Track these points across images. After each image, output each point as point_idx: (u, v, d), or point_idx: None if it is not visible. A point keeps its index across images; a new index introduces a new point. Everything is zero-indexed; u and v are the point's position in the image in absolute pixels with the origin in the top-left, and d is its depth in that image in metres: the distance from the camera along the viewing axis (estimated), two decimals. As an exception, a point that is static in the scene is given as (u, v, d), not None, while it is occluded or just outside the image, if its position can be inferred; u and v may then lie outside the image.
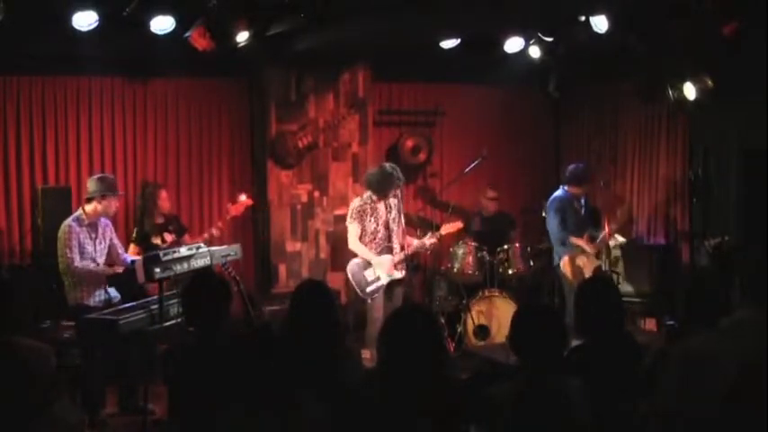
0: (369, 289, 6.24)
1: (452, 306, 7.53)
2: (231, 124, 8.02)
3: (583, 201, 7.09)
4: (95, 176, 5.91)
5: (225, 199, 7.99)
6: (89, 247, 5.64)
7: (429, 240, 6.63)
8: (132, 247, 6.63)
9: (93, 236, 5.69)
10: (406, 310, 3.50)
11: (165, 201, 6.84)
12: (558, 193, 7.07)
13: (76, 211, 5.78)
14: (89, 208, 5.67)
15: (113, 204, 5.76)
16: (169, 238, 6.67)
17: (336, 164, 8.08)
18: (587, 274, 6.79)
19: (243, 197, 7.00)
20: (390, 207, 6.43)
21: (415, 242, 6.64)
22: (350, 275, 6.37)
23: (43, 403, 3.42)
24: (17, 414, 3.30)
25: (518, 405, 2.89)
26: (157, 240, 6.63)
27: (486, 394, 2.98)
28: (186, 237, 6.84)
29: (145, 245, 6.57)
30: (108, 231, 5.83)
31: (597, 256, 6.92)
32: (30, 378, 3.36)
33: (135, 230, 6.75)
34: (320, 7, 5.89)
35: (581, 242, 6.88)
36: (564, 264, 6.94)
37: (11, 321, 3.47)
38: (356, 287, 6.34)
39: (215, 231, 6.70)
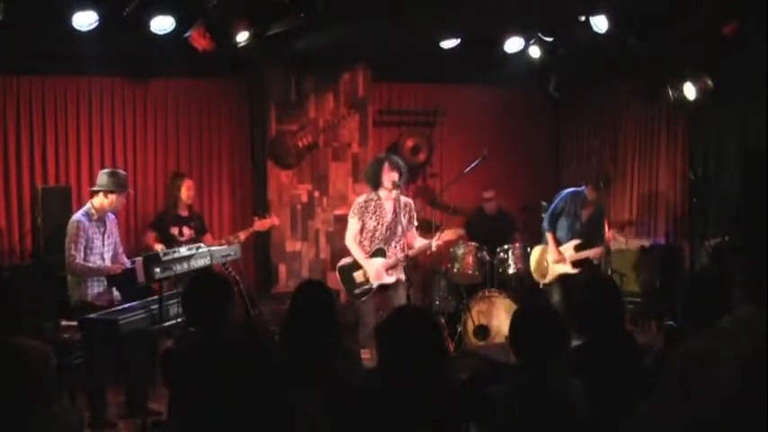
0: (356, 291, 6.04)
1: (452, 306, 7.53)
2: (231, 124, 8.01)
3: (594, 209, 6.86)
4: (106, 170, 5.84)
5: (225, 199, 8.01)
6: (98, 242, 5.63)
7: (435, 242, 6.17)
8: (150, 232, 6.69)
9: (102, 230, 5.68)
10: (405, 310, 3.50)
11: (187, 189, 6.85)
12: (573, 188, 7.00)
13: (84, 205, 5.75)
14: (96, 202, 5.66)
15: (119, 201, 5.74)
16: (187, 232, 6.71)
17: (336, 164, 8.08)
18: (548, 276, 6.89)
19: (271, 216, 7.14)
20: (401, 208, 6.04)
21: (419, 243, 6.19)
22: (338, 275, 6.16)
23: (43, 403, 3.43)
24: (17, 414, 3.30)
25: (518, 405, 2.89)
26: (175, 231, 6.67)
27: (486, 394, 2.98)
28: (208, 236, 6.88)
29: (163, 233, 6.63)
30: (114, 227, 5.83)
31: (574, 265, 6.74)
32: (30, 378, 3.36)
33: (157, 215, 6.85)
34: (320, 7, 5.90)
35: (552, 244, 6.85)
36: (536, 250, 7.04)
37: (11, 321, 3.47)
38: (344, 287, 6.11)
39: (232, 239, 6.72)
